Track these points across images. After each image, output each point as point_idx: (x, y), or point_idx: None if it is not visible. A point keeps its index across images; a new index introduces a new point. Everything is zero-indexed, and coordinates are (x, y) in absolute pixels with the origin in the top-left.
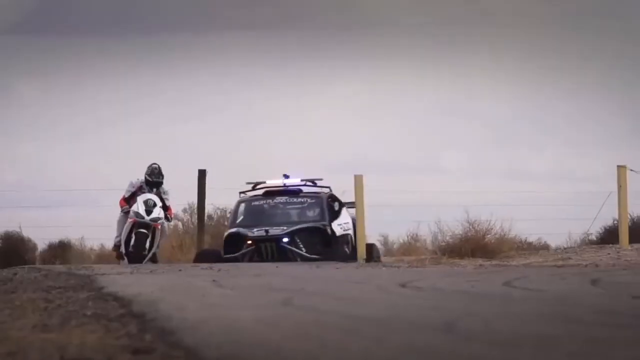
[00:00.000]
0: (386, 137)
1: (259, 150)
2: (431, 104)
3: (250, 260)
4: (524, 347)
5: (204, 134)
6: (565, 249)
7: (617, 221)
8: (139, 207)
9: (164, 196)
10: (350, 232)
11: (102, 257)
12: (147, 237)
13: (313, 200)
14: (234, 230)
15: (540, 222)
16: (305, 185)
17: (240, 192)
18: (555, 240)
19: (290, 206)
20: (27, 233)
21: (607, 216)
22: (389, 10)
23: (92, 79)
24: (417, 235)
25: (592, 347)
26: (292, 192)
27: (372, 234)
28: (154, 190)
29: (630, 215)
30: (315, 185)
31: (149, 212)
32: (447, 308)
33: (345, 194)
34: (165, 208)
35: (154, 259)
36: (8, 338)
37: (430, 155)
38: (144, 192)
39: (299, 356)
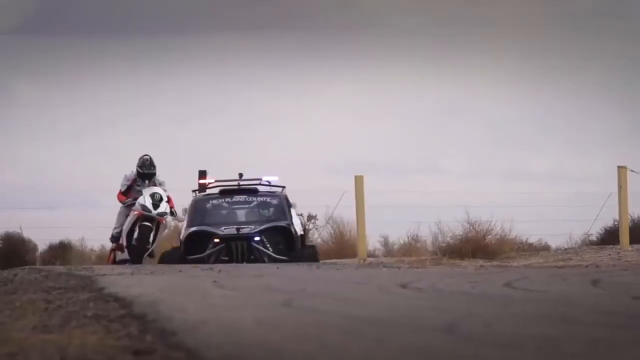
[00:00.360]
0: (386, 137)
1: (259, 151)
2: (431, 104)
3: (217, 260)
4: (525, 348)
5: (204, 134)
6: (565, 249)
7: (618, 222)
8: (145, 200)
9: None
10: (302, 232)
11: (102, 257)
12: (151, 230)
13: (272, 200)
14: (195, 229)
15: (541, 223)
16: (260, 184)
17: (193, 191)
18: (556, 241)
19: (249, 205)
20: (27, 234)
21: (608, 217)
22: (389, 11)
23: (92, 79)
24: (417, 236)
25: (592, 348)
26: (248, 191)
27: (372, 235)
28: (147, 182)
29: (631, 216)
30: (270, 184)
31: (155, 206)
32: (447, 309)
33: (345, 195)
34: (167, 201)
35: (150, 254)
36: (9, 339)
37: (430, 155)
38: (138, 185)
39: (298, 357)
